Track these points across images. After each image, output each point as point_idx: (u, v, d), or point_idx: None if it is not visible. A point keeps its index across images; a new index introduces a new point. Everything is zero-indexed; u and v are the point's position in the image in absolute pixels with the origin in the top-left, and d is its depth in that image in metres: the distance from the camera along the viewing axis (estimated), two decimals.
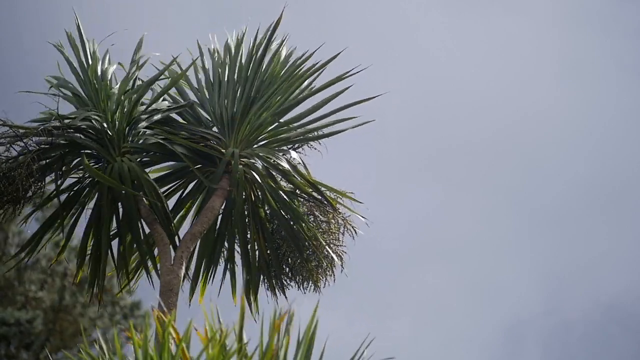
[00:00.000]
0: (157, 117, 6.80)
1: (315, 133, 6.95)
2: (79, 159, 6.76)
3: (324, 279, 6.80)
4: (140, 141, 6.77)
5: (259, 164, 6.80)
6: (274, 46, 7.03)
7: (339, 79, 6.91)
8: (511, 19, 25.15)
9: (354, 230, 6.82)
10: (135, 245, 6.84)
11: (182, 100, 7.06)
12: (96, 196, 6.79)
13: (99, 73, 6.87)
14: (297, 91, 6.96)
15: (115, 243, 6.87)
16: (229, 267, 6.97)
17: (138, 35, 7.19)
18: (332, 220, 6.79)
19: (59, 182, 6.71)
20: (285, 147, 6.88)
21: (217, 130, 6.90)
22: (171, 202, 6.93)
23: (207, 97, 7.05)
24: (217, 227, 6.94)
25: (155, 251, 6.73)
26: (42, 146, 6.62)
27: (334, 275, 6.80)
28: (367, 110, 6.95)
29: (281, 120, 6.97)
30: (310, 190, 6.71)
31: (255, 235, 6.90)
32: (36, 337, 18.45)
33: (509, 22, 25.22)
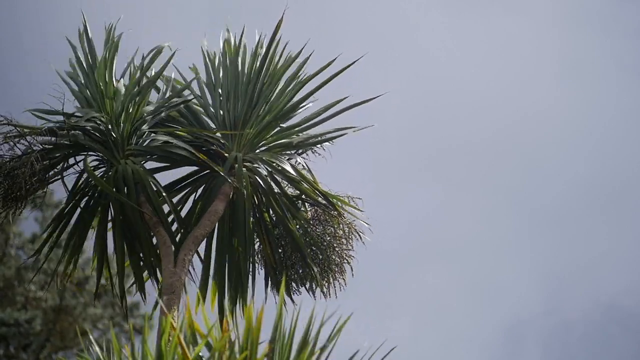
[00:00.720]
0: (161, 116, 6.80)
1: (319, 138, 6.97)
2: (82, 160, 6.75)
3: (333, 283, 6.81)
4: (145, 143, 6.77)
5: (263, 168, 6.80)
6: (274, 49, 7.04)
7: (329, 64, 6.91)
8: (511, 19, 25.15)
9: (360, 235, 6.83)
10: (137, 248, 6.85)
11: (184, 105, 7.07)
12: (99, 198, 6.80)
13: (105, 74, 6.87)
14: (299, 93, 6.98)
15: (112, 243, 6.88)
16: (238, 270, 6.97)
17: (139, 36, 7.19)
18: (338, 225, 6.80)
19: (62, 183, 6.71)
20: (289, 152, 6.89)
21: (219, 134, 6.91)
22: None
23: (211, 99, 7.06)
24: (222, 231, 6.95)
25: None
26: (46, 146, 6.62)
27: (344, 280, 6.82)
28: (367, 110, 6.97)
29: (283, 125, 6.98)
30: (316, 195, 6.72)
31: (261, 240, 6.91)
32: (35, 337, 18.45)
33: (508, 22, 25.23)
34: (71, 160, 6.77)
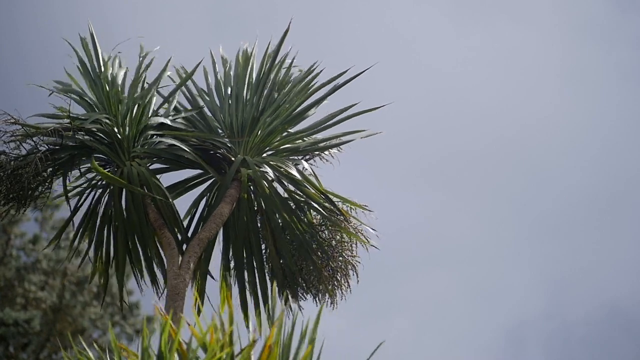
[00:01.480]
0: (167, 121, 6.82)
1: (325, 143, 6.98)
2: (88, 162, 6.76)
3: (339, 289, 6.81)
4: (151, 146, 6.78)
5: (269, 173, 6.81)
6: (282, 56, 7.08)
7: (341, 75, 6.93)
8: (514, 29, 25.20)
9: (367, 240, 6.83)
10: (142, 249, 6.86)
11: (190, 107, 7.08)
12: (105, 200, 6.81)
13: (110, 78, 6.88)
14: (307, 100, 7.00)
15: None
16: (243, 275, 6.98)
17: (143, 40, 7.20)
18: (344, 230, 6.80)
19: (67, 184, 6.71)
20: (295, 157, 6.91)
21: (227, 138, 6.92)
22: (182, 209, 6.97)
23: (218, 104, 7.08)
24: (227, 234, 6.96)
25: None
26: (52, 147, 6.62)
27: (349, 286, 6.82)
28: (372, 118, 6.99)
29: (290, 130, 7.00)
30: (322, 200, 6.73)
31: (267, 244, 6.92)
32: (34, 336, 18.45)
33: (511, 32, 25.27)
34: (77, 162, 6.77)
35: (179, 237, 6.72)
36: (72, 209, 6.78)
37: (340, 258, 6.79)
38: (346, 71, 6.93)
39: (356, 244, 6.84)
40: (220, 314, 5.02)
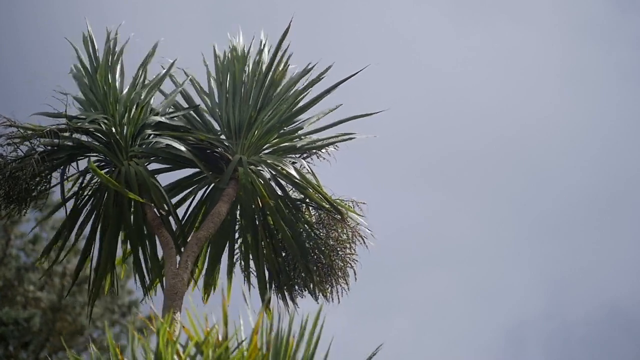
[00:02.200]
0: (164, 120, 6.82)
1: (323, 141, 6.99)
2: (86, 162, 6.77)
3: (336, 287, 6.81)
4: (149, 145, 6.78)
5: (266, 171, 6.81)
6: (281, 55, 7.07)
7: (343, 81, 6.93)
8: (514, 29, 25.21)
9: (363, 239, 6.83)
10: (139, 249, 6.86)
11: (187, 105, 7.09)
12: (104, 200, 6.81)
13: (108, 77, 6.88)
14: (303, 99, 7.01)
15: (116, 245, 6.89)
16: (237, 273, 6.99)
17: (141, 39, 7.21)
18: (342, 229, 6.80)
19: (65, 185, 6.72)
20: (293, 156, 6.90)
21: (224, 137, 6.92)
22: (180, 210, 6.96)
23: (217, 102, 7.08)
24: (225, 233, 6.96)
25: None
26: (49, 148, 6.62)
27: (347, 284, 6.82)
28: (370, 118, 6.99)
29: (287, 128, 7.00)
30: (320, 199, 6.73)
31: (265, 243, 6.92)
32: (34, 336, 18.45)
33: (511, 32, 25.28)
34: (74, 162, 6.78)
35: (177, 237, 6.72)
36: (69, 209, 6.77)
37: (337, 256, 6.79)
38: (350, 76, 6.93)
39: (355, 243, 6.84)
40: (224, 309, 5.02)
